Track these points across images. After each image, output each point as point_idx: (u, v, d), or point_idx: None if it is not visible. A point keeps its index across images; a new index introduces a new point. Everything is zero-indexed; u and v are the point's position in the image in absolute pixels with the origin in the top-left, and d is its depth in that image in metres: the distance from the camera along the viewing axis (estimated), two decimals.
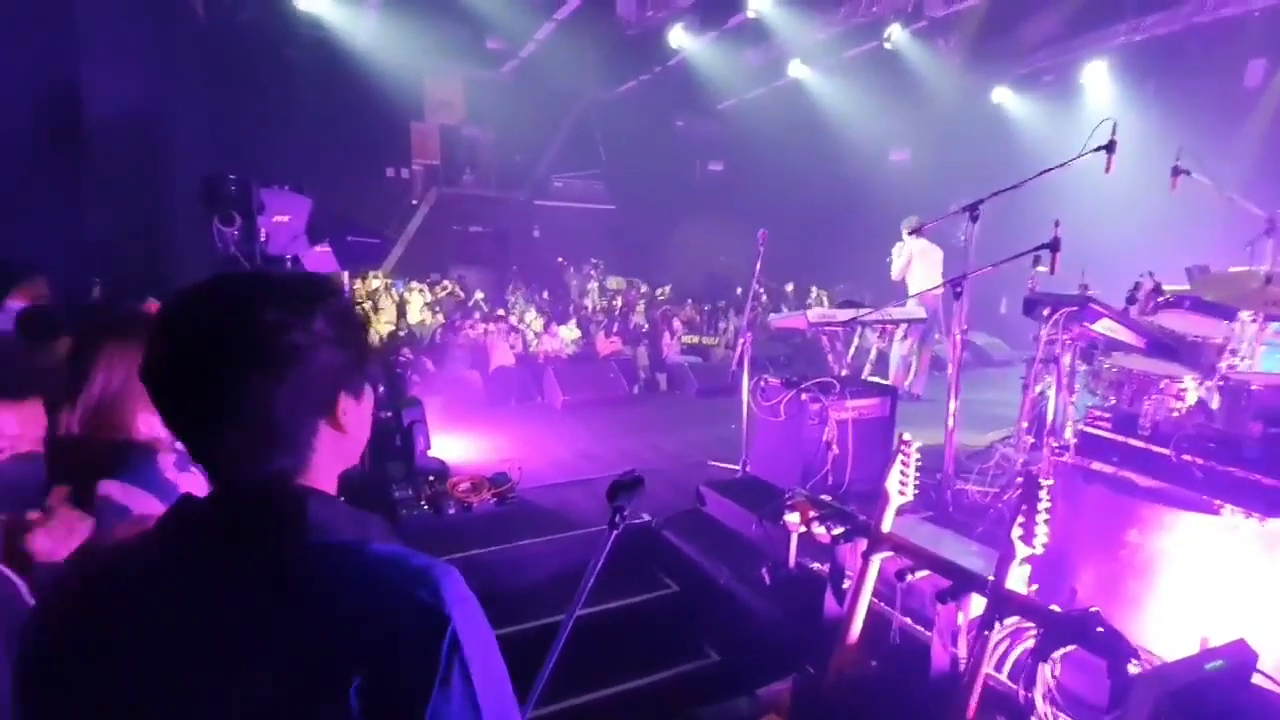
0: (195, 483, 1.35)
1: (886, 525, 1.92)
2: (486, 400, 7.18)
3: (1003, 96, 11.52)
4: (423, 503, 4.09)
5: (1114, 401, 3.05)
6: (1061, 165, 3.32)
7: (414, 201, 12.04)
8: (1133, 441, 2.40)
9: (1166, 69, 9.32)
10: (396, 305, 8.77)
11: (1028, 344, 6.42)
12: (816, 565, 2.77)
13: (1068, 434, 2.83)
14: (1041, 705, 1.50)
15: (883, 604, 2.07)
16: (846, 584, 2.11)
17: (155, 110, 6.84)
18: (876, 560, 1.89)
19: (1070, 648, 1.41)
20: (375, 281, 8.99)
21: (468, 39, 9.99)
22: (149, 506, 1.34)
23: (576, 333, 8.80)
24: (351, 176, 10.05)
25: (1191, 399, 2.74)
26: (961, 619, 1.91)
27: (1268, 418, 2.17)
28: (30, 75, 4.90)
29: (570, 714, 2.60)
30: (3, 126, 4.70)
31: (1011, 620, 1.55)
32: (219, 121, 8.59)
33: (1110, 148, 3.10)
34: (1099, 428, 2.54)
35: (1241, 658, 1.56)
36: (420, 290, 9.35)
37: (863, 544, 1.95)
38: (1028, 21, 9.74)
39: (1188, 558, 2.08)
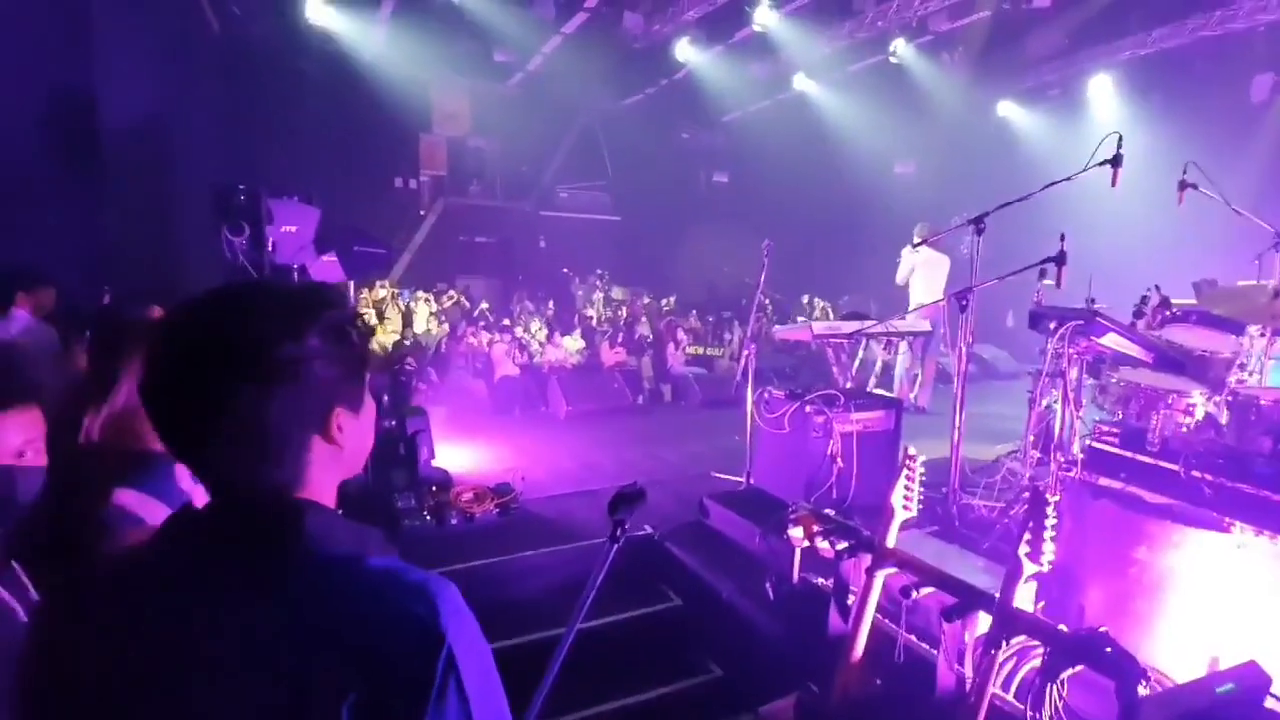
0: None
1: (891, 540, 1.90)
2: (491, 410, 7.18)
3: (1008, 110, 11.56)
4: (425, 513, 4.08)
5: (1121, 416, 3.03)
6: (1068, 179, 3.31)
7: (421, 212, 12.13)
8: (1141, 457, 2.37)
9: (1172, 83, 9.34)
10: (402, 315, 8.81)
11: (1034, 357, 6.39)
12: (820, 580, 2.75)
13: (1075, 449, 2.80)
14: None
15: (887, 621, 2.04)
16: (851, 600, 2.09)
17: (168, 120, 6.93)
18: (881, 576, 1.87)
19: (1078, 668, 1.38)
20: (382, 291, 9.03)
21: (475, 52, 10.09)
22: (164, 517, 1.34)
23: (581, 343, 8.81)
24: (360, 187, 10.14)
25: (1200, 414, 2.71)
26: (967, 636, 1.88)
27: (1278, 434, 2.14)
28: (45, 84, 4.97)
29: None
30: (17, 134, 4.76)
31: (1018, 639, 1.53)
32: (230, 132, 8.69)
33: (1116, 161, 3.10)
34: (1107, 443, 2.52)
35: (1254, 680, 1.52)
36: (426, 300, 9.38)
37: (867, 559, 1.92)
38: (1033, 36, 9.78)
39: (1197, 576, 2.05)
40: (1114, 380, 3.06)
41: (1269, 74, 8.80)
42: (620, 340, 8.87)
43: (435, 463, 4.78)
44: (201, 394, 0.68)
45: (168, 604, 0.68)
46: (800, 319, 9.82)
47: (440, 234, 12.04)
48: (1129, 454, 2.40)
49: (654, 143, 12.79)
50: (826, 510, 2.33)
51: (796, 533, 2.21)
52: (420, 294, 9.54)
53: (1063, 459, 2.71)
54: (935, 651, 1.89)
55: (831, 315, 10.08)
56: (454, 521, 4.06)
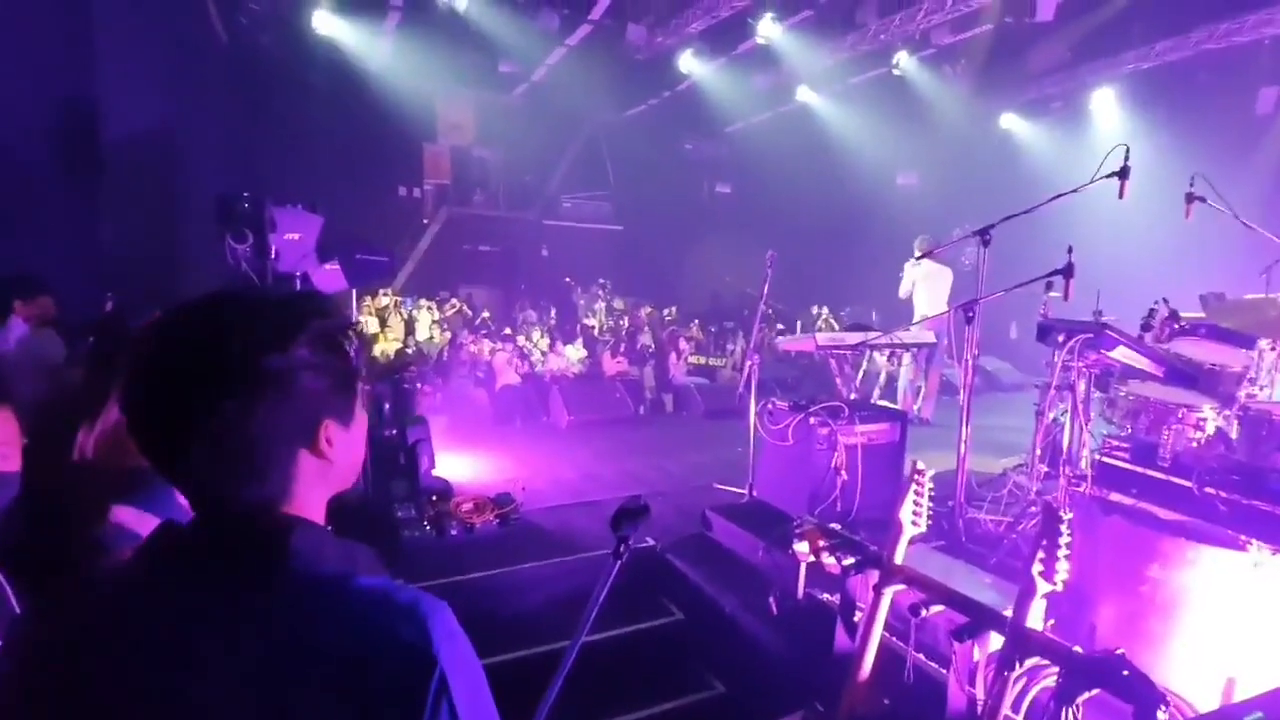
0: None
1: (899, 557, 1.86)
2: (492, 419, 7.16)
3: (1010, 122, 11.59)
4: (425, 523, 4.05)
5: (1129, 430, 2.99)
6: (1075, 190, 3.30)
7: (424, 220, 12.17)
8: (1152, 473, 2.33)
9: (1176, 96, 9.36)
10: (405, 323, 8.80)
11: (1038, 369, 6.36)
12: (826, 596, 2.70)
13: (1084, 463, 2.76)
14: None
15: (895, 639, 2.00)
16: (857, 617, 2.05)
17: (173, 129, 6.96)
18: (889, 593, 1.83)
19: (1094, 691, 1.34)
20: (384, 299, 9.03)
21: (480, 63, 10.16)
22: None
23: (583, 352, 8.79)
24: (364, 195, 10.18)
25: (1210, 429, 2.67)
26: (977, 653, 1.84)
27: None
28: (47, 93, 4.99)
29: None
30: (20, 144, 4.77)
31: (1031, 660, 1.49)
32: (236, 141, 8.74)
33: (1124, 174, 3.08)
34: (1116, 457, 2.48)
35: None
36: (429, 308, 9.39)
37: (874, 576, 1.88)
38: (1035, 49, 9.82)
39: (1213, 595, 2.01)
40: (1122, 394, 3.02)
41: (1275, 87, 8.81)
42: (622, 350, 8.85)
43: (435, 472, 4.74)
44: (182, 406, 0.65)
45: (147, 625, 0.66)
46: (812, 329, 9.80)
47: (443, 243, 12.07)
48: (1140, 469, 2.37)
49: (657, 153, 12.84)
50: (832, 524, 2.30)
51: (802, 547, 2.17)
52: (423, 302, 9.55)
53: (1071, 473, 2.67)
54: (945, 671, 1.84)
55: (835, 326, 10.06)
56: (454, 532, 4.03)
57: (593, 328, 9.98)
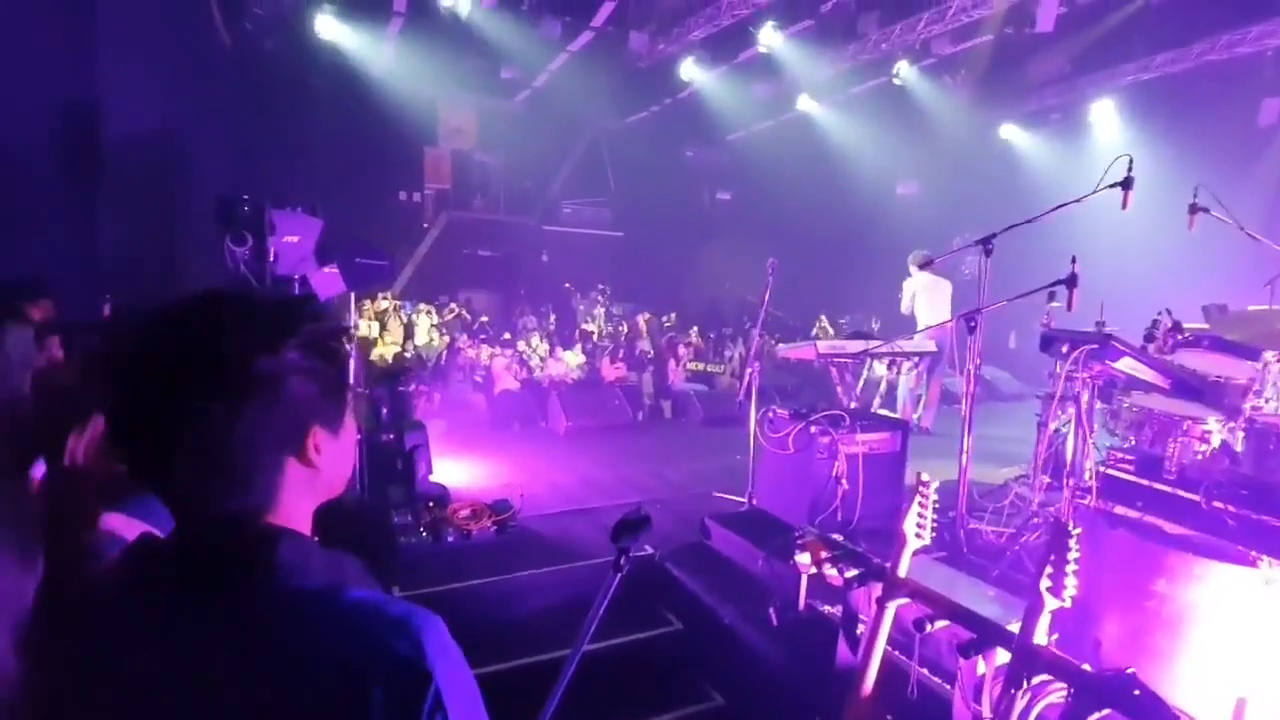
0: None
1: (903, 570, 1.83)
2: (490, 424, 7.12)
3: (1010, 133, 11.63)
4: (422, 529, 4.01)
5: (1133, 442, 2.96)
6: (1078, 200, 3.29)
7: (424, 225, 12.16)
8: (1158, 485, 2.30)
9: (1177, 107, 9.38)
10: (404, 327, 8.78)
11: (1037, 379, 6.35)
12: (828, 608, 2.67)
13: (1088, 475, 2.73)
14: None
15: (898, 654, 1.97)
16: (860, 630, 2.01)
17: (175, 132, 6.95)
18: (892, 607, 1.80)
19: (1105, 712, 1.31)
20: (384, 303, 9.02)
21: (483, 69, 10.19)
22: None
23: (581, 358, 8.76)
24: (364, 199, 10.18)
25: (1216, 441, 2.65)
26: (981, 667, 1.81)
27: None
28: (50, 94, 4.98)
29: None
30: (20, 145, 4.75)
31: (1039, 678, 1.46)
32: (237, 143, 8.74)
33: (1128, 184, 3.07)
34: (1121, 470, 2.45)
35: None
36: (428, 312, 9.37)
37: (878, 589, 1.85)
38: (1035, 60, 9.86)
39: (1221, 611, 1.98)
40: (1126, 405, 3.00)
41: (1277, 98, 8.83)
42: (621, 356, 8.82)
43: (433, 477, 4.71)
44: (166, 408, 0.62)
45: (124, 645, 0.63)
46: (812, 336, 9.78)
47: (443, 247, 12.07)
48: (1146, 482, 2.34)
49: (658, 160, 12.87)
50: (834, 535, 2.27)
51: (804, 559, 2.14)
52: (422, 306, 9.53)
53: (1076, 485, 2.64)
54: (950, 688, 1.81)
55: (830, 333, 10.05)
56: (451, 539, 3.99)
57: (592, 333, 9.97)
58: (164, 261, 6.54)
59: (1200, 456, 2.60)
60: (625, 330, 10.28)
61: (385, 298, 9.17)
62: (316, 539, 0.72)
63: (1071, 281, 3.14)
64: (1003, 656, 1.57)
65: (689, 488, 5.06)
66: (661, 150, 12.89)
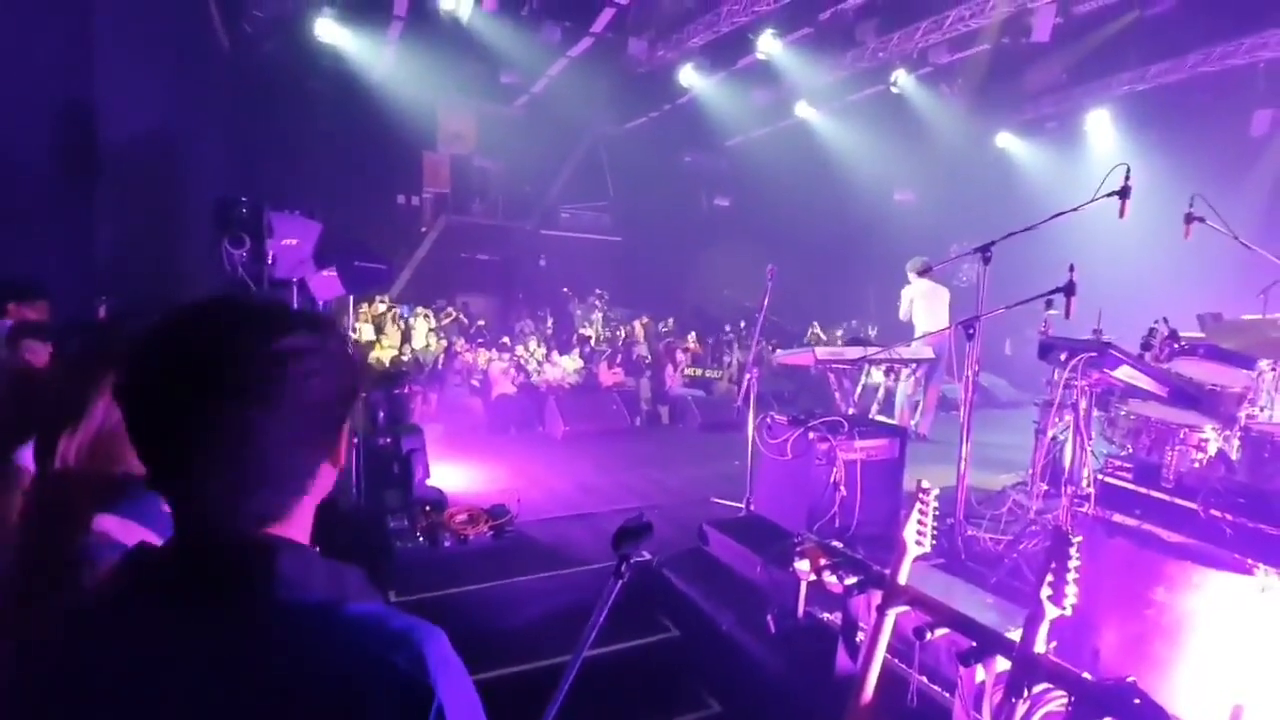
0: None
1: (903, 577, 1.83)
2: (487, 428, 7.11)
3: (1007, 141, 11.71)
4: (418, 534, 4.00)
5: (1130, 450, 2.97)
6: (1075, 209, 3.31)
7: (423, 229, 12.16)
8: (1156, 494, 2.31)
9: (1171, 117, 9.47)
10: (401, 331, 8.76)
11: (1034, 386, 6.37)
12: (827, 616, 2.66)
13: (1085, 483, 2.74)
14: None
15: (898, 662, 1.96)
16: (860, 638, 2.01)
17: (173, 134, 6.94)
18: (892, 615, 1.79)
19: None
20: (381, 306, 9.00)
21: (482, 74, 10.21)
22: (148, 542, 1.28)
23: (579, 362, 8.76)
24: (363, 202, 10.17)
25: (1213, 449, 2.66)
26: (981, 675, 1.80)
27: None
28: (47, 95, 4.97)
29: None
30: (17, 146, 4.74)
31: (1039, 686, 1.46)
32: (236, 146, 8.72)
33: (1125, 193, 3.09)
34: (1119, 478, 2.46)
35: None
36: (426, 316, 9.35)
37: (878, 597, 1.85)
38: (1031, 69, 9.94)
39: (1219, 619, 1.98)
40: (1123, 413, 3.02)
41: (1269, 109, 8.92)
42: (619, 361, 8.82)
43: (429, 482, 4.69)
44: (208, 419, 0.62)
45: (118, 656, 0.61)
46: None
47: (441, 251, 12.06)
48: (1144, 490, 2.34)
49: (656, 165, 12.90)
50: (834, 542, 2.26)
51: (803, 566, 2.13)
52: (420, 310, 9.51)
53: (1074, 493, 2.65)
54: (950, 696, 1.81)
55: (825, 340, 10.07)
56: (447, 544, 3.97)
57: (589, 338, 9.97)
58: (161, 263, 6.51)
59: (1197, 464, 2.61)
60: (623, 335, 10.28)
61: (383, 301, 9.16)
62: (317, 548, 0.72)
63: (1069, 289, 3.16)
64: (1003, 665, 1.57)
65: (687, 493, 5.06)
66: (660, 156, 12.93)
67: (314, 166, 9.33)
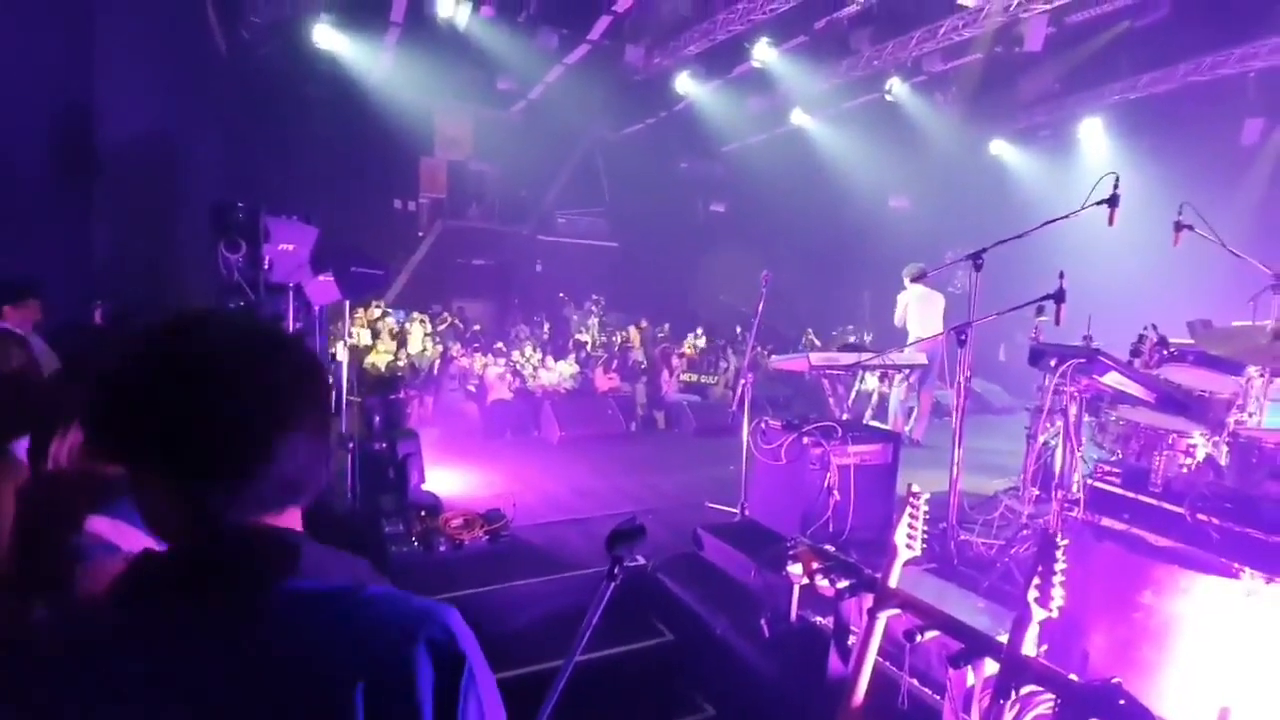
0: None
1: (894, 580, 1.85)
2: (483, 433, 7.10)
3: (1000, 149, 11.80)
4: (413, 539, 3.99)
5: (1120, 455, 3.00)
6: (1066, 216, 3.35)
7: (419, 233, 12.17)
8: (1144, 498, 2.34)
9: (1163, 126, 9.57)
10: (396, 336, 8.76)
11: (1027, 391, 6.42)
12: (819, 619, 2.68)
13: (1075, 488, 2.77)
14: None
15: (889, 665, 1.98)
16: (851, 641, 2.02)
17: (170, 138, 6.95)
18: (883, 618, 1.81)
19: None
20: (377, 311, 9.00)
21: (479, 79, 10.26)
22: (141, 543, 1.28)
23: (574, 367, 8.77)
24: (359, 207, 10.18)
25: (1201, 455, 2.69)
26: (972, 680, 1.82)
27: None
28: (46, 98, 4.98)
29: None
30: (15, 148, 4.74)
31: (1027, 688, 1.47)
32: (233, 151, 8.73)
33: (1114, 201, 3.13)
34: (1108, 483, 2.48)
35: None
36: (421, 321, 9.35)
37: (869, 600, 1.87)
38: (1024, 78, 10.04)
39: (1206, 623, 2.00)
40: (1113, 419, 3.05)
41: (1260, 118, 9.02)
42: (614, 366, 8.84)
43: (425, 486, 4.69)
44: (258, 438, 0.68)
45: (150, 661, 0.62)
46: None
47: (438, 256, 12.07)
48: (1131, 494, 2.37)
49: (653, 172, 12.95)
50: (826, 546, 2.28)
51: (796, 569, 2.15)
52: (416, 315, 9.52)
53: (1064, 498, 2.67)
54: (940, 698, 1.82)
55: (820, 347, 10.10)
56: (443, 548, 3.97)
57: (585, 343, 9.98)
58: (157, 267, 6.52)
59: (1185, 470, 2.64)
60: (619, 340, 10.30)
61: (378, 306, 9.16)
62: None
63: (1060, 296, 3.19)
64: (992, 667, 1.59)
65: (681, 498, 5.06)
66: (656, 162, 12.98)
67: (311, 171, 9.35)
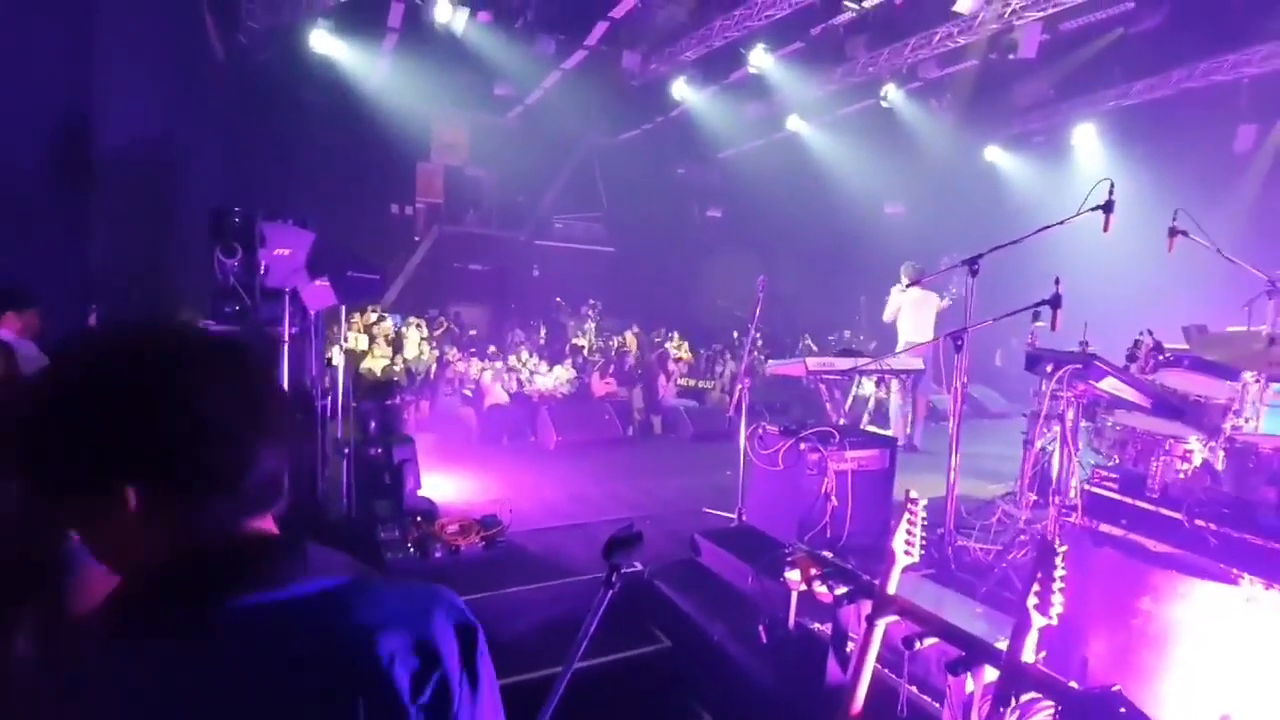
0: None
1: (893, 587, 1.84)
2: (479, 438, 7.08)
3: (995, 155, 11.87)
4: (409, 545, 3.97)
5: (1117, 460, 3.00)
6: (1061, 223, 3.36)
7: (416, 238, 12.16)
8: (1142, 504, 2.34)
9: (1156, 132, 9.63)
10: (391, 341, 8.74)
11: (1023, 396, 6.43)
12: (817, 626, 2.66)
13: (1073, 493, 2.76)
14: None
15: (888, 671, 1.97)
16: (850, 648, 2.01)
17: (167, 143, 6.93)
18: (882, 625, 1.80)
19: None
20: (373, 316, 8.98)
21: (476, 85, 10.28)
22: None
23: (571, 372, 8.76)
24: (357, 212, 10.18)
25: (1198, 460, 2.69)
26: (970, 685, 1.81)
27: None
28: (43, 104, 4.96)
29: None
30: (11, 154, 4.72)
31: (1027, 696, 1.47)
32: (231, 156, 8.72)
33: (1109, 207, 3.15)
34: (1106, 488, 2.48)
35: None
36: (418, 325, 9.34)
37: (867, 606, 1.86)
38: (1019, 85, 10.09)
39: (1205, 629, 2.00)
40: (1109, 424, 3.05)
41: (1253, 125, 9.09)
42: (611, 371, 8.83)
43: (421, 492, 4.67)
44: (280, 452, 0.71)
45: (177, 664, 0.61)
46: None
47: (434, 261, 12.06)
48: (1130, 500, 2.37)
49: (649, 177, 12.98)
50: (824, 552, 2.27)
51: (794, 576, 2.14)
52: (413, 320, 9.50)
53: (1061, 503, 2.67)
54: (939, 705, 1.81)
55: (817, 352, 10.11)
56: (438, 554, 3.95)
57: (582, 348, 9.98)
58: (154, 272, 6.49)
59: (1182, 475, 2.64)
60: (615, 345, 10.29)
61: (374, 310, 9.14)
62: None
63: (1056, 302, 3.20)
64: (991, 674, 1.58)
65: (678, 504, 5.05)
66: (653, 167, 13.01)
67: (308, 176, 9.34)
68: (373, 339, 8.52)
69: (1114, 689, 1.34)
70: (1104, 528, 2.38)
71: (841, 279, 12.25)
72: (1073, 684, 1.43)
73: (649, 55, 9.65)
